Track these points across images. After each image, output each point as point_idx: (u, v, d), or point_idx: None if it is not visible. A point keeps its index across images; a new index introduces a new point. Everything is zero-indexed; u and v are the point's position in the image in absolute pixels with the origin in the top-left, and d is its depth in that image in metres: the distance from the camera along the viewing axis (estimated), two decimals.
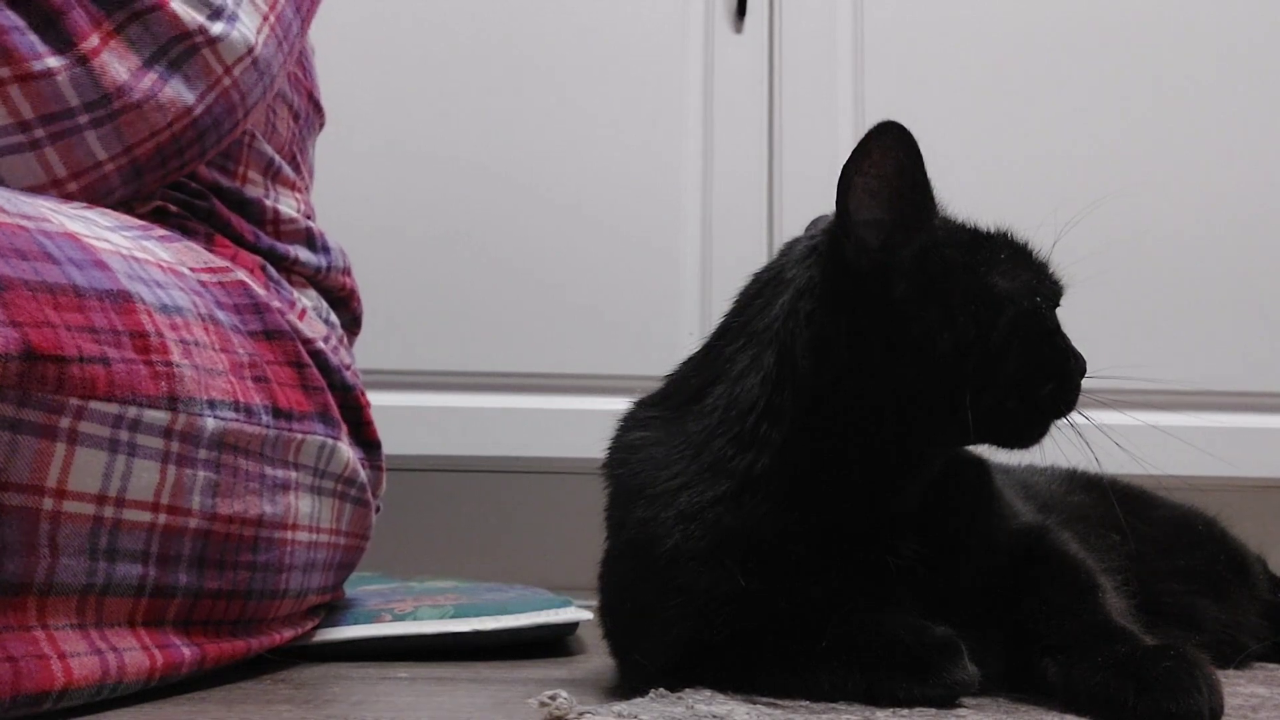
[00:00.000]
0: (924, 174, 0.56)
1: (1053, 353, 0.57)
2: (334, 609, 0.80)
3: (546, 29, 1.35)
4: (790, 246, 0.62)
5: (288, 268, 0.82)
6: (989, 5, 1.38)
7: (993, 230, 0.60)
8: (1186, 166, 1.35)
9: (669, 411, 0.61)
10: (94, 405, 0.53)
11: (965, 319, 0.54)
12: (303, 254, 0.83)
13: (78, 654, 0.53)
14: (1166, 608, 0.66)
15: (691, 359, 0.63)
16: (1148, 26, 1.37)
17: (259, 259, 0.78)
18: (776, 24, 1.36)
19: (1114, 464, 0.81)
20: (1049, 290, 0.59)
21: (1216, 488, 1.23)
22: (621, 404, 0.65)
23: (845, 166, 0.55)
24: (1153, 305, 1.31)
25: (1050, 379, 0.56)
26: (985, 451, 0.64)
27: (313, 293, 0.84)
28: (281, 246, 0.81)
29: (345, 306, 0.89)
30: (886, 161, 0.54)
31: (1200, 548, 0.77)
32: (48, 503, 0.52)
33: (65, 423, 0.52)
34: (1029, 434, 0.57)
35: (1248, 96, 1.36)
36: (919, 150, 0.55)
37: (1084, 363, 0.58)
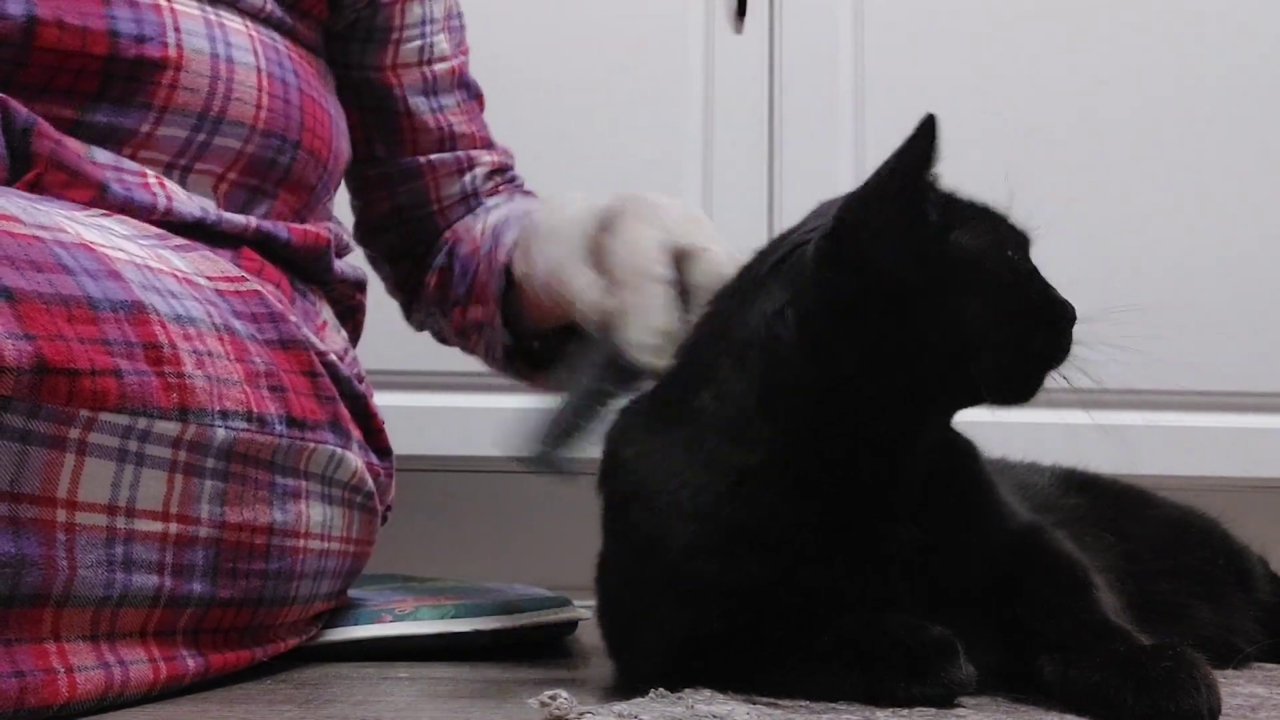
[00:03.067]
0: (933, 158, 0.56)
1: (1035, 300, 0.57)
2: (335, 610, 0.80)
3: (543, 29, 1.35)
4: (764, 253, 0.62)
5: (320, 272, 0.83)
6: (990, 5, 1.38)
7: (948, 191, 0.59)
8: (1190, 164, 1.35)
9: (657, 422, 0.61)
10: (104, 416, 0.53)
11: (954, 289, 0.54)
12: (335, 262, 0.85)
13: (85, 668, 0.53)
14: (1159, 608, 0.66)
15: (673, 368, 0.62)
16: (1156, 23, 1.37)
17: (287, 274, 0.78)
18: (776, 24, 1.36)
19: (1114, 464, 0.81)
20: (1016, 239, 0.58)
21: (1217, 488, 1.23)
22: (621, 404, 0.65)
23: (874, 178, 0.55)
24: (1154, 304, 1.31)
25: (1038, 328, 0.56)
26: (989, 445, 0.64)
27: (326, 306, 0.84)
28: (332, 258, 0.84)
29: (350, 319, 0.90)
30: (913, 152, 0.55)
31: (1198, 549, 0.77)
32: (61, 514, 0.52)
33: (74, 434, 0.52)
34: (1024, 388, 0.57)
35: (1256, 94, 1.36)
36: (935, 139, 0.55)
37: (1073, 310, 0.57)
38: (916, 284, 0.54)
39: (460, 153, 0.95)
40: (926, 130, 0.54)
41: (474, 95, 0.98)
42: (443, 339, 0.98)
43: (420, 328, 1.00)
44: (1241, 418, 1.30)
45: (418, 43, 0.93)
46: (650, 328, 0.64)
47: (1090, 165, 1.34)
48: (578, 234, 0.71)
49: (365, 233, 0.97)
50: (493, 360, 0.90)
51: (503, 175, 0.98)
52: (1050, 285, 0.58)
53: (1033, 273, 0.58)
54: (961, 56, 1.36)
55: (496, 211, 0.92)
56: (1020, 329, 0.56)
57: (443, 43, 0.95)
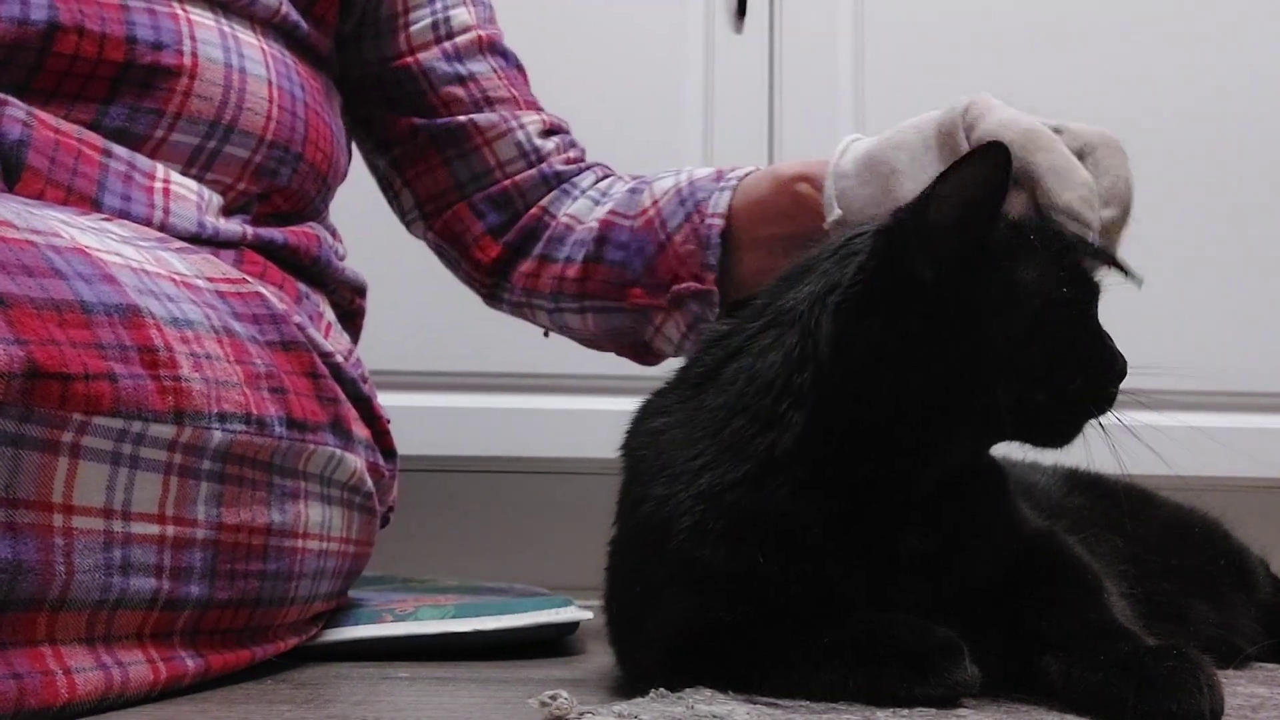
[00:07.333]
0: (1005, 193, 0.55)
1: (1084, 346, 0.56)
2: (336, 610, 0.80)
3: (543, 29, 1.34)
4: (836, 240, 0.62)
5: (319, 272, 0.83)
6: (990, 6, 1.38)
7: (1020, 219, 0.59)
8: (1189, 164, 1.35)
9: (687, 391, 0.61)
10: (98, 420, 0.53)
11: (992, 314, 0.54)
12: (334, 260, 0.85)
13: (83, 669, 0.52)
14: (1160, 609, 0.66)
15: (713, 338, 0.63)
16: (1157, 23, 1.37)
17: (290, 276, 0.78)
18: (776, 24, 1.36)
19: (1114, 464, 0.81)
20: (1080, 282, 0.58)
21: (1217, 488, 1.23)
22: (622, 404, 0.65)
23: (936, 179, 0.54)
24: (1158, 305, 1.31)
25: (1080, 373, 0.55)
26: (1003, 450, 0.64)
27: (330, 308, 0.84)
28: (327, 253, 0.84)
29: (350, 322, 0.89)
30: (977, 179, 0.54)
31: (1199, 549, 0.77)
32: (58, 519, 0.51)
33: (68, 438, 0.51)
34: (1060, 433, 0.56)
35: (1255, 98, 1.36)
36: (1009, 172, 0.54)
37: (1124, 364, 0.57)
38: (954, 299, 0.54)
39: (503, 112, 0.91)
40: (993, 160, 0.53)
41: (514, 65, 0.95)
42: (564, 330, 0.93)
43: (516, 314, 0.95)
44: (1241, 418, 1.30)
45: (428, 20, 0.92)
46: (1077, 180, 0.61)
47: None
48: (935, 152, 0.69)
49: (428, 216, 0.93)
50: (688, 338, 0.84)
51: (561, 137, 0.93)
52: (1106, 335, 0.57)
53: (1089, 318, 0.57)
54: (961, 57, 1.36)
55: (660, 184, 0.87)
56: (1058, 370, 0.55)
57: (463, 14, 0.93)
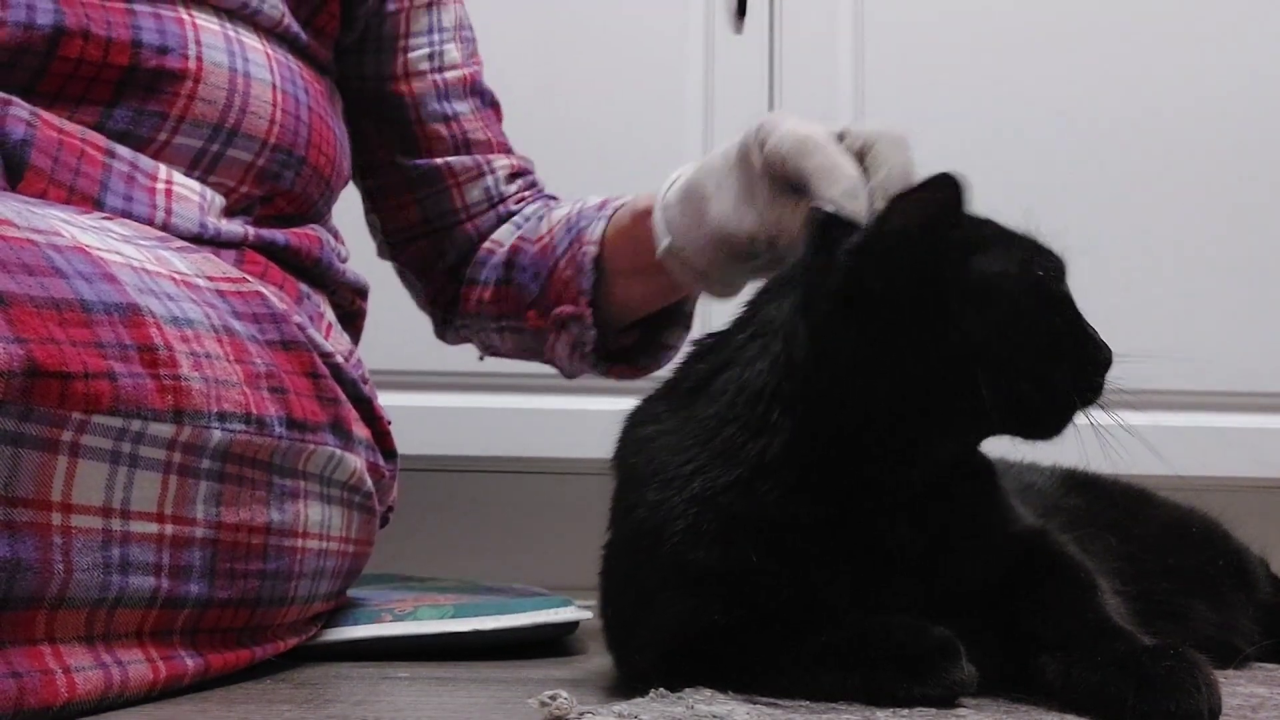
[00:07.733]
0: (961, 215, 0.55)
1: (1065, 329, 0.56)
2: (335, 610, 0.80)
3: (544, 30, 1.35)
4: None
5: (320, 274, 0.83)
6: (990, 5, 1.38)
7: (978, 217, 0.59)
8: (1189, 163, 1.35)
9: (678, 399, 0.61)
10: (97, 419, 0.53)
11: (972, 310, 0.54)
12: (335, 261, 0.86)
13: (83, 668, 0.52)
14: (1159, 608, 0.66)
15: (701, 348, 0.63)
16: (1157, 23, 1.37)
17: (291, 276, 0.79)
18: (776, 24, 1.36)
19: (1114, 464, 0.81)
20: (1048, 263, 0.57)
21: (1217, 488, 1.24)
22: (621, 403, 0.66)
23: (888, 205, 0.55)
24: (1158, 305, 1.31)
25: (1061, 361, 0.55)
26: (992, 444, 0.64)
27: (330, 309, 0.84)
28: (328, 255, 0.84)
29: (351, 324, 0.90)
30: (927, 204, 0.54)
31: (1197, 549, 0.77)
32: (57, 517, 0.51)
33: (68, 436, 0.51)
34: (1049, 424, 0.56)
35: (1253, 98, 1.36)
36: (962, 198, 0.54)
37: (1108, 352, 0.56)
38: (923, 302, 0.54)
39: (478, 156, 0.95)
40: (944, 187, 0.54)
41: (489, 104, 0.98)
42: (491, 350, 0.98)
43: (459, 341, 1.00)
44: (1241, 418, 1.30)
45: (426, 50, 0.94)
46: (840, 176, 0.63)
47: (1089, 164, 1.34)
48: (735, 172, 0.70)
49: (394, 245, 0.98)
50: (573, 358, 0.89)
51: (524, 179, 0.98)
52: (1086, 323, 0.57)
53: (1064, 302, 0.57)
54: (961, 57, 1.36)
55: (556, 212, 0.91)
56: (1040, 359, 0.54)
57: (453, 51, 0.96)
